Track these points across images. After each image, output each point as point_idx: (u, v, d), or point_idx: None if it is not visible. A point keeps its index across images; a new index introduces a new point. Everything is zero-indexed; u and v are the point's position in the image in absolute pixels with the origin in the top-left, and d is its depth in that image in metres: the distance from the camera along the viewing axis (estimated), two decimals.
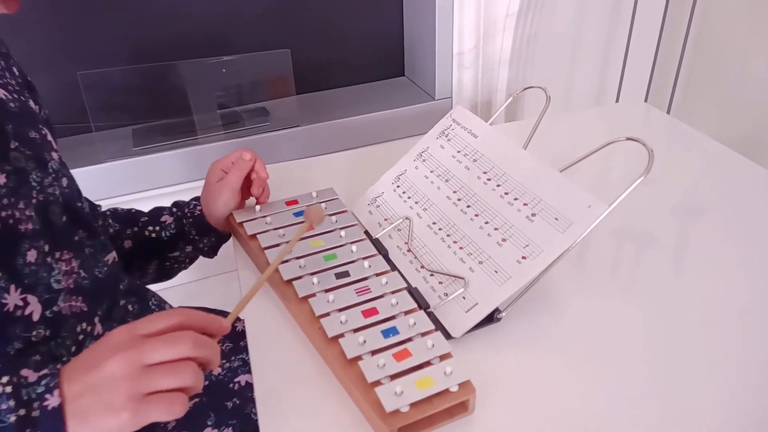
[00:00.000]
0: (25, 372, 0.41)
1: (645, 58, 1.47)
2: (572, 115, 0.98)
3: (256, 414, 0.60)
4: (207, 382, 0.64)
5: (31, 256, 0.47)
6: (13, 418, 0.38)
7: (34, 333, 0.47)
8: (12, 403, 0.39)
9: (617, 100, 1.52)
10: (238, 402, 0.62)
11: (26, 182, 0.49)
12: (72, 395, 0.39)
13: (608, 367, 0.53)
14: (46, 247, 0.49)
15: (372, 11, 1.38)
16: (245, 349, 0.68)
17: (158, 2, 1.19)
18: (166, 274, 0.75)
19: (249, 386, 0.63)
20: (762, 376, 0.52)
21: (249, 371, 0.65)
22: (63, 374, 0.41)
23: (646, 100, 1.51)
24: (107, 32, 1.18)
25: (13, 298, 0.45)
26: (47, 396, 0.39)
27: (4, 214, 0.46)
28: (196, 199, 0.71)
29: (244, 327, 0.71)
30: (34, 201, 0.49)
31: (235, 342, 0.69)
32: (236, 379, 0.64)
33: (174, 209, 0.71)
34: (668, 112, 1.45)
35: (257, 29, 1.29)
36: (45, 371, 0.41)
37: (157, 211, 0.72)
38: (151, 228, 0.70)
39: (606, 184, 0.79)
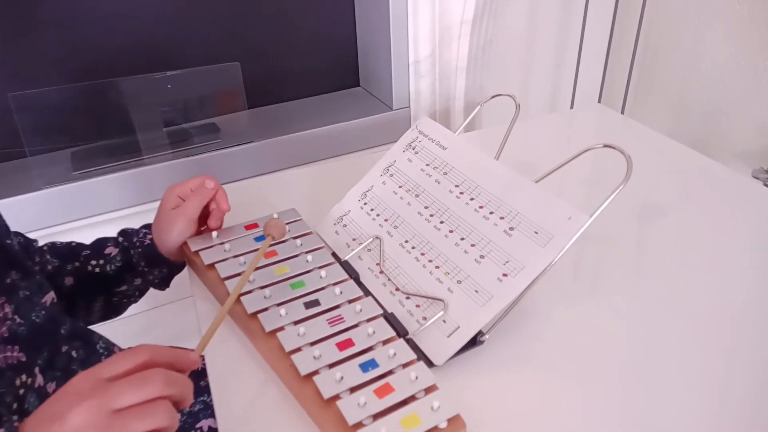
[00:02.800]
0: None
1: (597, 61, 1.49)
2: (530, 121, 0.97)
3: None
4: None
5: None
6: None
7: None
8: None
9: (572, 104, 1.53)
10: None
11: None
12: None
13: (599, 384, 0.51)
14: None
15: (324, 21, 1.34)
16: (206, 390, 0.62)
17: (95, 16, 1.12)
18: (114, 310, 0.68)
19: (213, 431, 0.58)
20: (748, 385, 0.51)
21: (211, 415, 0.59)
22: (21, 428, 0.35)
23: (599, 102, 1.53)
24: (40, 49, 1.09)
25: None
26: None
27: None
28: (147, 227, 0.65)
29: (204, 365, 0.65)
30: None
31: (195, 382, 0.63)
32: (198, 425, 0.58)
33: (120, 239, 0.65)
34: (622, 112, 1.47)
35: (204, 41, 1.23)
36: (1, 430, 0.35)
37: (101, 243, 0.65)
38: (94, 262, 0.63)
39: (572, 191, 0.77)
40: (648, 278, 0.64)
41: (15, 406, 0.46)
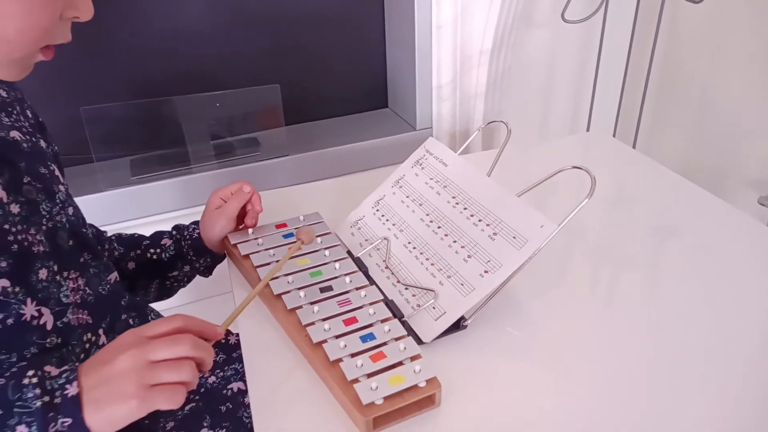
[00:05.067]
0: (47, 368, 0.47)
1: (613, 89, 1.57)
2: (533, 146, 1.07)
3: (247, 417, 0.67)
4: (203, 389, 0.70)
5: (43, 274, 0.54)
6: (38, 404, 0.45)
7: (47, 340, 0.53)
8: (38, 391, 0.45)
9: (588, 128, 1.62)
10: (231, 406, 0.68)
11: (37, 211, 0.56)
12: (88, 386, 0.46)
13: (562, 367, 0.61)
14: (55, 267, 0.56)
15: (357, 48, 1.47)
16: (237, 360, 0.74)
17: (156, 41, 1.28)
18: (166, 292, 0.81)
19: (241, 392, 0.70)
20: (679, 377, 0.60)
21: (240, 379, 0.71)
22: (80, 369, 0.48)
23: (615, 129, 1.61)
24: (108, 70, 1.26)
25: (29, 309, 0.52)
26: (67, 386, 0.46)
27: (19, 237, 0.52)
28: (195, 223, 0.78)
29: (236, 340, 0.77)
30: (43, 227, 0.56)
31: (228, 354, 0.75)
32: (229, 386, 0.70)
33: (174, 232, 0.78)
34: (635, 137, 1.55)
35: (249, 65, 1.38)
36: (65, 367, 0.48)
37: (158, 235, 0.79)
38: (152, 251, 0.77)
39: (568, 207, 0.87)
40: (629, 289, 0.73)
41: (82, 356, 0.58)
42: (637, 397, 0.57)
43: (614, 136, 1.62)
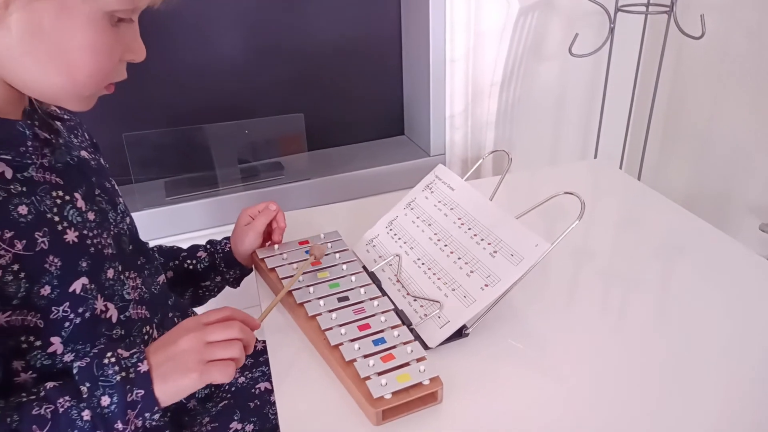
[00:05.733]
0: (119, 351, 0.56)
1: (620, 119, 1.64)
2: (541, 172, 1.15)
3: (272, 413, 0.75)
4: (234, 388, 0.78)
5: (110, 273, 0.63)
6: (118, 378, 0.54)
7: (113, 332, 0.62)
8: (116, 368, 0.55)
9: (595, 155, 1.69)
10: (258, 403, 0.76)
11: (106, 219, 0.65)
12: (156, 363, 0.56)
13: (554, 373, 0.68)
14: (120, 267, 0.65)
15: (376, 79, 1.57)
16: (263, 363, 0.82)
17: (191, 74, 1.39)
18: (198, 300, 0.90)
19: (267, 391, 0.78)
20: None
21: (266, 380, 0.79)
22: (147, 351, 0.57)
23: (622, 158, 1.68)
24: (147, 100, 1.37)
25: (99, 304, 0.61)
26: (139, 364, 0.55)
27: (95, 241, 0.62)
28: (227, 238, 0.87)
29: (262, 347, 0.85)
30: (112, 233, 0.65)
31: (255, 358, 0.84)
32: (257, 386, 0.78)
33: (208, 246, 0.88)
34: (641, 167, 1.61)
35: (275, 95, 1.49)
36: (134, 350, 0.57)
37: (194, 248, 0.88)
38: (189, 261, 0.86)
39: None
40: (619, 304, 0.80)
41: (142, 346, 0.67)
42: (638, 401, 0.64)
43: (621, 164, 1.69)
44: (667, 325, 0.74)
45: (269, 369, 0.79)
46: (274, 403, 0.75)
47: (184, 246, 0.90)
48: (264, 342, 0.84)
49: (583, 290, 0.83)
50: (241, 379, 0.79)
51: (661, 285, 0.83)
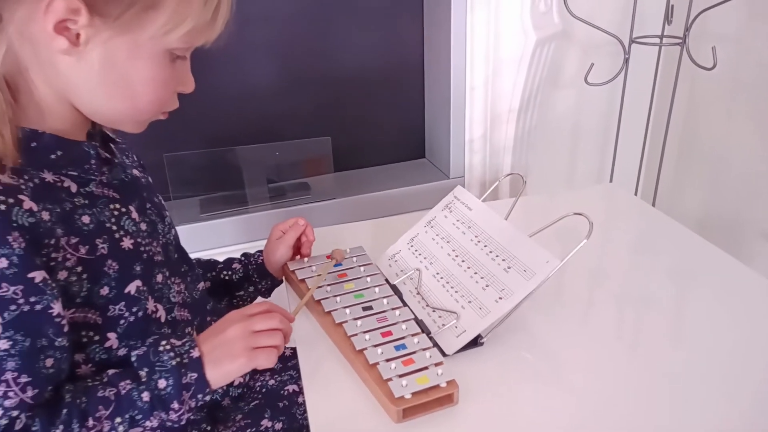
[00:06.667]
0: (172, 340, 0.64)
1: (635, 146, 1.69)
2: (557, 195, 1.20)
3: (300, 414, 0.81)
4: (265, 389, 0.85)
5: (159, 278, 0.70)
6: (173, 363, 0.62)
7: (162, 331, 0.69)
8: (171, 354, 0.62)
9: (611, 178, 1.73)
10: (287, 404, 0.82)
11: (156, 230, 0.73)
12: (207, 350, 0.63)
13: (564, 384, 0.73)
14: (167, 273, 0.72)
15: (399, 105, 1.65)
16: (292, 368, 0.88)
17: (226, 99, 1.48)
18: (233, 309, 0.97)
19: (295, 393, 0.84)
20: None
21: (294, 383, 0.85)
22: (198, 339, 0.65)
23: (637, 183, 1.72)
24: (185, 123, 1.46)
25: (150, 305, 0.68)
26: (192, 351, 0.63)
27: (147, 248, 0.69)
28: (260, 251, 0.95)
29: (291, 352, 0.92)
30: (160, 242, 0.73)
31: (284, 363, 0.90)
32: (285, 388, 0.85)
33: (242, 258, 0.95)
34: (655, 192, 1.65)
35: (304, 119, 1.57)
36: (186, 339, 0.64)
37: (230, 260, 0.95)
38: (225, 272, 0.93)
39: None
40: (631, 321, 0.85)
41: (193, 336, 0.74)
42: (648, 415, 0.68)
43: (637, 189, 1.73)
44: (678, 346, 0.78)
45: (297, 373, 0.85)
46: (302, 403, 0.81)
47: (219, 259, 0.97)
48: (293, 349, 0.91)
49: (595, 309, 0.87)
50: (271, 382, 0.86)
51: (674, 308, 0.87)
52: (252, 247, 0.99)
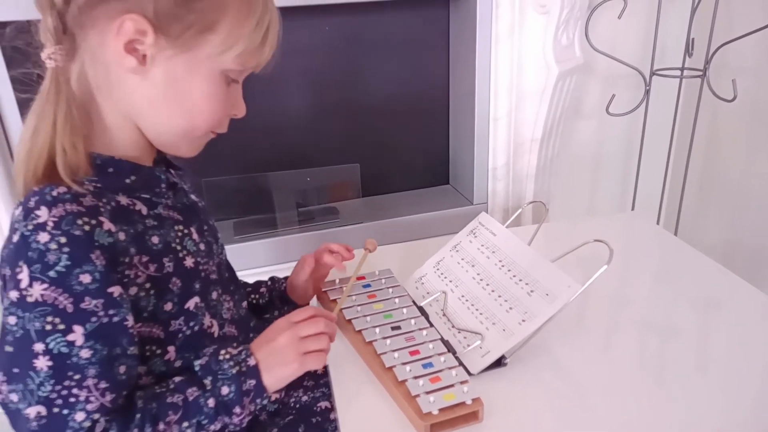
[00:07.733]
0: (229, 350, 0.69)
1: (657, 175, 1.72)
2: (580, 222, 1.23)
3: (331, 429, 0.84)
4: (298, 405, 0.89)
5: (214, 295, 0.75)
6: (234, 371, 0.67)
7: (214, 345, 0.74)
8: (231, 363, 0.67)
9: (633, 207, 1.76)
10: (319, 419, 0.86)
11: (211, 250, 0.79)
12: (261, 358, 0.68)
13: (585, 404, 0.76)
14: (220, 290, 0.77)
15: (425, 133, 1.70)
16: (324, 385, 0.92)
17: (260, 128, 1.56)
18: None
19: (327, 410, 0.88)
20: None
21: (326, 399, 0.89)
22: (252, 347, 0.70)
23: (659, 212, 1.74)
24: (223, 149, 1.53)
25: (206, 320, 0.73)
26: (248, 359, 0.68)
27: (205, 267, 0.74)
28: (285, 278, 0.99)
29: (324, 370, 0.96)
30: (215, 261, 0.79)
31: (317, 380, 0.94)
32: (318, 404, 0.88)
33: (269, 282, 0.99)
34: (677, 222, 1.67)
35: (334, 147, 1.63)
36: (240, 348, 0.69)
37: (258, 283, 1.00)
38: (253, 296, 0.98)
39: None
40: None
41: (247, 345, 0.77)
42: None
43: (659, 218, 1.75)
44: (701, 375, 0.80)
45: (329, 390, 0.89)
46: (334, 420, 0.85)
47: (249, 281, 1.03)
48: (325, 366, 0.95)
49: (616, 335, 0.90)
50: (305, 398, 0.90)
51: (696, 336, 0.89)
52: (282, 269, 1.04)
